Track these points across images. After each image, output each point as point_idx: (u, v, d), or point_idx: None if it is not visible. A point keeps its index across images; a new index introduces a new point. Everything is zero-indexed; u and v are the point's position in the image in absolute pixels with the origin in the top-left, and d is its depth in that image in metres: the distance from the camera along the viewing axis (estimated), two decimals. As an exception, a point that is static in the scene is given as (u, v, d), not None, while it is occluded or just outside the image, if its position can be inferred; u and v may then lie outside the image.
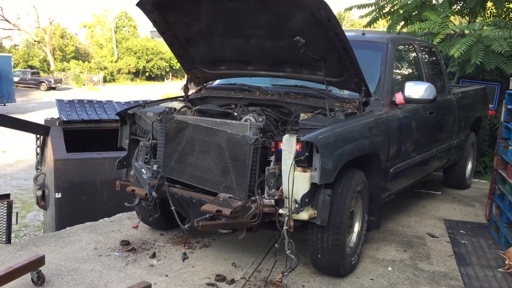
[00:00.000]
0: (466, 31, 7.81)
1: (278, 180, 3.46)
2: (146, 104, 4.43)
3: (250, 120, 3.82)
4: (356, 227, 3.94)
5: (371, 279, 3.76)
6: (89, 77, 57.44)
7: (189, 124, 3.73)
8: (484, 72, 8.71)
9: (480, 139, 7.36)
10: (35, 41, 59.35)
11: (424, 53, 5.39)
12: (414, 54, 5.19)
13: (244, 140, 3.45)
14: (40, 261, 3.43)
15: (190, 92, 4.75)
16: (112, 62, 65.82)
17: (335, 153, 3.44)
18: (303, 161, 3.32)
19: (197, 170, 3.68)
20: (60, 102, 7.19)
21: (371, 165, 4.03)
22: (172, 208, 3.74)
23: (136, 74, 68.48)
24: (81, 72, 58.68)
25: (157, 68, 67.35)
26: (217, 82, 5.12)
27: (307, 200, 3.33)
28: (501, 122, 5.10)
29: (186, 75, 4.80)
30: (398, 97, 4.33)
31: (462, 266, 4.07)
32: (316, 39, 3.70)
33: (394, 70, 4.61)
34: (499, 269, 3.97)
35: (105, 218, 4.90)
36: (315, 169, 3.32)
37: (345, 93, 4.20)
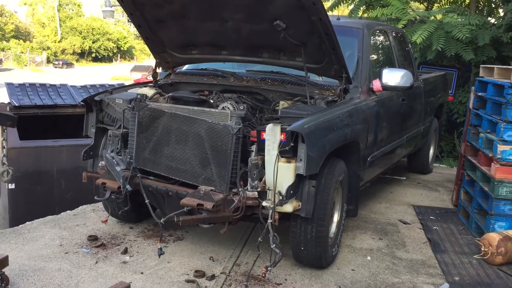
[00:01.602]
0: (431, 18, 7.87)
1: (260, 171, 3.31)
2: (113, 90, 4.14)
3: (228, 108, 3.63)
4: (336, 217, 3.86)
5: (352, 269, 3.71)
6: (31, 57, 54.91)
7: (165, 113, 3.50)
8: (443, 58, 8.88)
9: (441, 125, 7.49)
10: (-29, 19, 55.98)
11: (395, 39, 5.36)
12: (387, 40, 5.14)
13: (226, 130, 3.27)
14: (3, 262, 3.14)
15: (142, 78, 4.51)
16: (55, 42, 63.18)
17: (320, 142, 3.33)
18: (287, 151, 3.19)
19: (173, 161, 3.48)
20: (10, 86, 6.70)
21: (350, 154, 3.95)
22: (147, 201, 3.53)
23: (82, 55, 66.11)
24: (22, 52, 56.02)
25: (104, 49, 65.23)
26: (186, 67, 4.89)
27: (291, 192, 3.21)
28: (470, 109, 5.15)
29: (138, 59, 4.53)
30: (376, 84, 4.26)
31: (438, 253, 4.10)
32: (298, 23, 3.54)
33: (371, 56, 4.53)
34: (474, 256, 4.02)
35: (68, 211, 4.60)
36: (300, 160, 3.19)
37: (323, 79, 4.09)
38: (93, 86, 7.22)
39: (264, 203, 3.24)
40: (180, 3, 3.74)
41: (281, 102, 3.79)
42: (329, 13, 9.49)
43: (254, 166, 3.25)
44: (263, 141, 3.26)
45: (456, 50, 7.77)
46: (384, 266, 3.80)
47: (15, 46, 57.50)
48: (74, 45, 62.67)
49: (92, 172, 3.96)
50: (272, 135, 3.21)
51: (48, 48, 61.02)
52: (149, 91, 4.08)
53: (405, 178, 6.55)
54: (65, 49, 62.83)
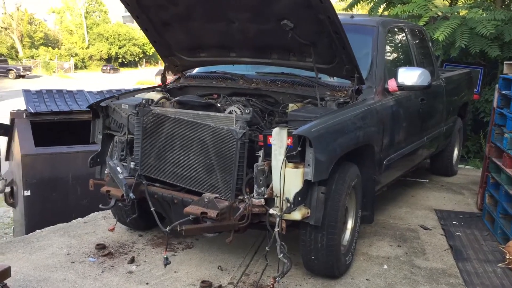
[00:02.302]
0: (455, 14, 7.61)
1: (267, 177, 3.18)
2: (120, 95, 4.07)
3: (235, 111, 3.51)
4: (350, 224, 3.69)
5: (367, 279, 3.53)
6: (60, 64, 56.05)
7: (168, 118, 3.39)
8: (468, 55, 8.57)
9: (466, 125, 7.20)
10: (1, 27, 57.42)
11: (413, 36, 5.14)
12: (404, 38, 4.94)
13: (230, 135, 3.14)
14: (5, 273, 3.07)
15: (168, 81, 4.42)
16: (83, 49, 64.36)
17: (329, 147, 3.17)
18: (295, 156, 3.05)
19: (178, 167, 3.37)
20: (27, 93, 6.74)
21: (364, 157, 3.78)
22: (152, 209, 3.43)
23: (109, 60, 67.16)
24: (51, 59, 57.24)
25: (130, 54, 66.10)
26: (196, 70, 4.79)
27: (299, 198, 3.07)
28: (494, 107, 4.90)
29: (163, 63, 4.45)
30: (391, 84, 4.07)
31: (460, 261, 3.88)
32: (306, 22, 3.40)
33: (385, 55, 4.35)
34: (499, 264, 3.79)
35: (79, 219, 4.55)
36: (308, 165, 3.04)
37: (335, 80, 3.93)
38: (109, 91, 7.21)
39: (271, 211, 3.10)
40: (184, 4, 3.64)
41: (290, 105, 3.65)
42: (348, 11, 9.30)
43: (260, 172, 3.11)
44: (270, 145, 3.13)
45: (481, 46, 7.48)
46: (401, 275, 3.61)
47: (44, 54, 58.78)
48: (101, 51, 63.69)
49: (100, 179, 3.89)
50: (279, 139, 3.07)
51: (76, 54, 62.16)
52: (156, 96, 3.99)
53: (427, 180, 6.31)
54: (93, 55, 63.91)
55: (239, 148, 3.12)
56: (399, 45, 4.99)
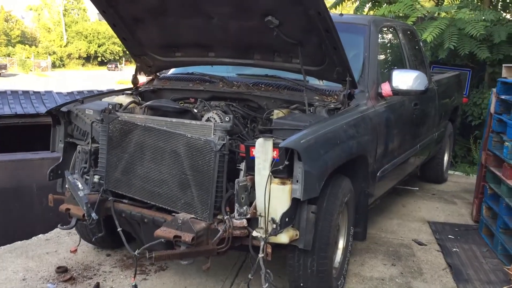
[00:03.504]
0: (443, 14, 7.34)
1: (250, 194, 2.79)
2: (85, 98, 3.63)
3: (214, 118, 3.12)
4: (341, 244, 3.33)
5: (360, 305, 3.18)
6: (36, 62, 54.89)
7: (137, 126, 2.98)
8: (455, 57, 8.33)
9: (456, 129, 6.92)
10: (-24, 24, 56.05)
11: (405, 36, 4.81)
12: (396, 38, 4.60)
13: (207, 146, 2.74)
14: None
15: (141, 83, 4.01)
16: (61, 47, 63.20)
17: (320, 160, 2.80)
18: (281, 171, 2.67)
19: (148, 182, 2.96)
20: (-11, 94, 6.24)
21: (357, 169, 3.42)
22: (119, 229, 3.02)
23: (88, 59, 66.11)
24: (27, 57, 56.03)
25: (110, 53, 65.12)
26: (172, 71, 4.39)
27: (287, 219, 2.69)
28: (491, 113, 4.60)
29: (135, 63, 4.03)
30: (385, 88, 3.72)
31: (461, 282, 3.55)
32: (293, 19, 3.03)
33: (378, 56, 4.00)
34: (504, 287, 3.46)
35: (40, 235, 4.09)
36: (297, 181, 2.66)
37: (324, 84, 3.57)
38: (80, 92, 6.75)
39: (254, 233, 2.71)
40: (157, -3, 3.24)
41: (275, 111, 3.27)
42: (332, 11, 8.97)
43: (242, 188, 2.72)
44: (253, 158, 2.74)
45: (470, 48, 7.25)
46: (398, 300, 3.27)
47: (20, 52, 57.51)
48: (80, 50, 62.59)
49: (61, 194, 3.45)
50: (263, 151, 2.69)
51: (54, 52, 60.99)
52: (125, 100, 3.58)
53: (418, 188, 5.99)
54: (71, 54, 62.78)
55: (217, 162, 2.73)
56: (392, 45, 4.66)
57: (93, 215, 2.87)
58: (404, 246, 4.17)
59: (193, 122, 2.93)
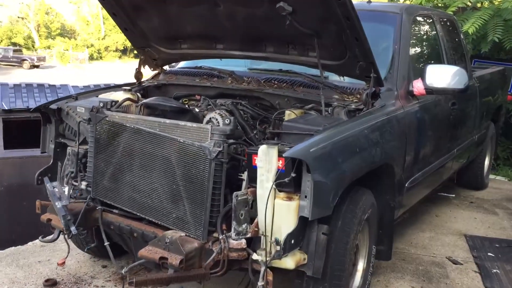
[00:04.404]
0: (486, 3, 6.73)
1: (252, 208, 2.39)
2: (79, 94, 3.31)
3: (216, 120, 2.73)
4: (361, 265, 2.90)
5: None
6: (75, 55, 55.83)
7: (126, 127, 2.62)
8: (500, 50, 7.67)
9: (499, 130, 6.32)
10: (18, 17, 57.36)
11: (443, 27, 4.28)
12: (433, 29, 4.08)
13: (201, 153, 2.36)
14: None
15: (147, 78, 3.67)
16: (99, 39, 64.11)
17: (334, 172, 2.37)
18: (287, 184, 2.26)
19: (137, 192, 2.60)
20: (3, 87, 6.04)
21: (381, 180, 2.97)
22: (106, 244, 2.69)
23: (124, 51, 66.85)
24: (66, 50, 57.06)
25: (146, 46, 65.58)
26: (181, 65, 4.02)
27: (293, 241, 2.28)
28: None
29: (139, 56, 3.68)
30: (418, 86, 3.24)
31: (501, 313, 3.06)
32: (308, 5, 2.60)
33: (411, 50, 3.51)
34: (554, 322, 2.96)
35: (36, 241, 3.79)
36: (305, 197, 2.25)
37: (345, 81, 3.12)
38: (97, 86, 6.47)
39: (255, 256, 2.31)
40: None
41: (287, 112, 2.85)
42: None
43: (241, 203, 2.32)
44: (255, 168, 2.34)
45: (517, 40, 6.60)
46: (426, 333, 2.81)
47: (59, 44, 58.64)
48: (116, 42, 63.31)
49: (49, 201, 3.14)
50: (266, 160, 2.28)
51: (92, 45, 61.91)
52: (123, 97, 3.22)
53: (454, 195, 5.46)
54: (108, 46, 63.58)
55: (213, 171, 2.34)
56: (427, 37, 4.14)
57: (73, 229, 2.54)
58: (436, 265, 3.68)
59: (189, 124, 2.53)
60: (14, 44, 51.38)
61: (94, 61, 58.31)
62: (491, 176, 6.37)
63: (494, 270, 3.63)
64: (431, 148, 3.61)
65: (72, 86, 6.37)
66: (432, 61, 3.97)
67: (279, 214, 2.28)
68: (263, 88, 3.14)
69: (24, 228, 4.93)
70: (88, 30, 65.21)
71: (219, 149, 2.33)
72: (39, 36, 58.78)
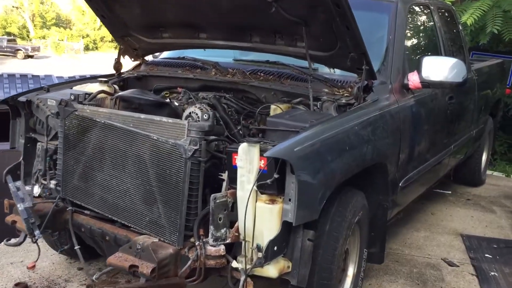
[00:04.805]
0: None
1: (233, 211, 2.20)
2: (51, 86, 3.10)
3: (197, 114, 2.53)
4: (351, 270, 2.72)
5: None
6: (70, 45, 55.34)
7: (96, 123, 2.42)
8: (499, 42, 7.49)
9: (496, 124, 6.14)
10: (13, 6, 56.76)
11: (441, 17, 4.08)
12: (430, 19, 3.88)
13: (176, 152, 2.16)
14: None
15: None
16: (94, 30, 63.50)
17: (321, 172, 2.18)
18: (270, 186, 2.07)
19: (109, 193, 2.40)
20: (-16, 77, 5.81)
21: (373, 179, 2.78)
22: (76, 248, 2.50)
23: (120, 42, 66.07)
24: (61, 40, 56.56)
25: (141, 36, 65.12)
26: (164, 55, 3.82)
27: (276, 248, 2.09)
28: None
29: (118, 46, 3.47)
30: (413, 79, 3.05)
31: (499, 320, 2.89)
32: (295, -9, 2.40)
33: (406, 40, 3.31)
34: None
35: (12, 240, 3.58)
36: (289, 200, 2.06)
37: (336, 73, 2.93)
38: (82, 77, 6.25)
39: (234, 264, 2.13)
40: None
41: (272, 107, 2.66)
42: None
43: (220, 207, 2.13)
44: (236, 167, 2.14)
45: (516, 32, 6.40)
46: None
47: (55, 34, 58.07)
48: (112, 33, 62.77)
49: (21, 199, 2.94)
50: (247, 160, 2.09)
51: (88, 35, 61.36)
52: (99, 89, 3.01)
53: (450, 192, 5.28)
54: (104, 37, 63.02)
55: (189, 171, 2.15)
56: (424, 28, 3.94)
57: (37, 233, 2.34)
58: (432, 267, 3.51)
59: (164, 119, 2.33)
60: (9, 34, 50.87)
61: (90, 51, 57.84)
62: (488, 172, 6.20)
63: (492, 273, 3.46)
64: (427, 144, 3.43)
65: (57, 77, 6.15)
66: (429, 53, 3.78)
67: (261, 219, 2.10)
68: (248, 81, 2.94)
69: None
70: (83, 20, 64.57)
71: (195, 147, 2.13)
72: (34, 26, 58.23)
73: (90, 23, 63.38)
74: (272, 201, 2.11)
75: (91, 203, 2.47)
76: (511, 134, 7.60)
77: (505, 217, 4.63)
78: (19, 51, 41.19)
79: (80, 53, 53.35)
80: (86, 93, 2.79)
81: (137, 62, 3.55)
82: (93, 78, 3.32)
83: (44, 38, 56.45)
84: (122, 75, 3.41)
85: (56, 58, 46.73)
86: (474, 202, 5.05)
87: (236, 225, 2.17)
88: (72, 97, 2.63)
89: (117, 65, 3.43)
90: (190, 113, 2.57)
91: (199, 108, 2.56)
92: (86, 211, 2.56)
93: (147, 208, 2.27)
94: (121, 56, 3.45)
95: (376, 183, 2.80)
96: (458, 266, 3.56)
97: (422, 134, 3.30)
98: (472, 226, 4.38)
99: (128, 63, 3.55)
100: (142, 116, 2.39)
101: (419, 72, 3.05)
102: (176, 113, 2.67)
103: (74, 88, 3.08)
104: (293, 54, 2.85)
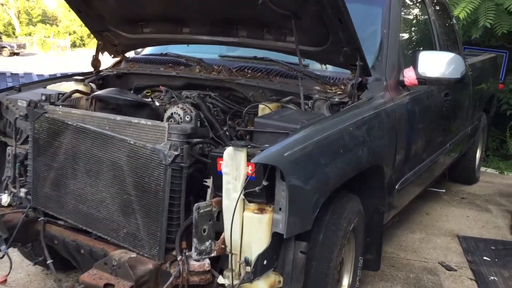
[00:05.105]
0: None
1: (219, 221, 2.02)
2: (23, 85, 2.89)
3: (179, 115, 2.34)
4: (346, 281, 2.55)
5: None
6: (56, 42, 54.66)
7: (68, 126, 2.22)
8: (491, 37, 7.36)
9: (490, 121, 6.01)
10: (-1, 3, 55.93)
11: (435, 10, 3.92)
12: (424, 12, 3.72)
13: (155, 158, 1.97)
14: None
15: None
16: (81, 26, 62.77)
17: (314, 179, 2.00)
18: (258, 194, 1.89)
19: (83, 203, 2.20)
20: (-41, 76, 5.56)
21: (368, 182, 2.61)
22: (49, 262, 2.30)
23: (107, 38, 65.50)
24: (47, 37, 55.86)
25: (129, 33, 64.59)
26: (146, 51, 3.62)
27: (266, 261, 1.91)
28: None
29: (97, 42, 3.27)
30: (409, 76, 2.88)
31: (502, 329, 2.74)
32: (283, -20, 2.22)
33: (401, 35, 3.15)
34: None
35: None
36: (280, 209, 1.88)
37: (328, 70, 2.76)
38: (64, 74, 6.00)
39: (220, 280, 1.95)
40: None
41: (261, 106, 2.47)
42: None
43: (204, 217, 1.94)
44: (221, 174, 1.96)
45: (509, 26, 6.26)
46: None
47: (41, 31, 57.35)
48: (99, 29, 62.15)
49: (-9, 207, 2.73)
50: (233, 166, 1.91)
51: (75, 32, 60.65)
52: (77, 87, 2.81)
53: (444, 190, 5.15)
54: (91, 34, 62.40)
55: (169, 179, 1.96)
56: (418, 21, 3.78)
57: (3, 248, 2.14)
58: (429, 272, 3.36)
59: (143, 121, 2.14)
60: (-6, 31, 50.15)
61: (77, 48, 57.17)
62: (482, 169, 6.07)
63: (491, 277, 3.32)
64: (423, 144, 3.27)
65: (37, 75, 5.90)
66: (424, 48, 3.62)
67: (249, 230, 1.92)
68: (235, 78, 2.75)
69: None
70: (70, 17, 63.76)
71: (176, 152, 1.94)
72: (20, 23, 57.45)
73: (77, 19, 62.71)
74: (261, 211, 1.92)
75: (64, 213, 2.27)
76: (503, 130, 7.47)
77: (501, 216, 4.50)
78: (4, 49, 40.54)
79: (67, 50, 52.69)
80: (59, 93, 2.59)
81: (117, 59, 3.35)
82: (68, 77, 3.11)
83: (30, 35, 55.72)
84: (101, 73, 3.21)
85: (42, 55, 46.07)
86: (469, 201, 4.92)
87: (222, 236, 1.98)
88: (43, 98, 2.43)
89: (95, 62, 3.23)
90: (172, 114, 2.38)
91: (181, 108, 2.38)
92: (60, 221, 2.36)
93: (125, 219, 2.07)
94: (100, 53, 3.25)
95: (372, 186, 2.63)
96: (456, 270, 3.42)
97: (418, 133, 3.14)
98: (468, 227, 4.24)
99: (108, 60, 3.36)
100: (119, 118, 2.19)
101: (415, 67, 2.88)
102: (157, 114, 2.48)
103: (48, 87, 2.88)
104: (282, 49, 2.67)
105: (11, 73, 5.84)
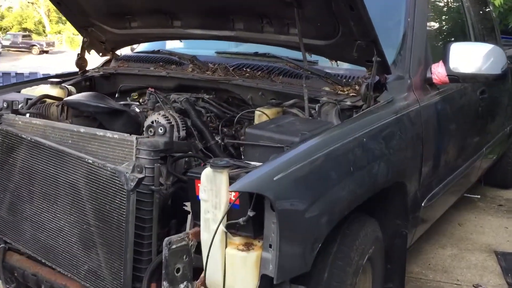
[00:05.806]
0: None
1: (200, 255, 1.64)
2: (-3, 89, 2.58)
3: (160, 123, 1.97)
4: (361, 318, 2.14)
5: None
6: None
7: (22, 140, 1.87)
8: (531, 25, 6.79)
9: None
10: (28, 2, 56.98)
11: (469, -4, 3.44)
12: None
13: (116, 181, 1.60)
14: None
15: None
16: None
17: (314, 207, 1.59)
18: (244, 226, 1.50)
19: (41, 232, 1.86)
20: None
21: (387, 203, 2.18)
22: (7, 294, 1.97)
23: (136, 35, 66.32)
24: (75, 35, 56.65)
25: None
26: (140, 48, 3.27)
27: (253, 310, 1.52)
28: None
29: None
30: (439, 72, 2.43)
31: None
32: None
33: (428, 24, 2.69)
34: None
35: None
36: (270, 246, 1.48)
37: (339, 67, 2.33)
38: (46, 75, 5.74)
39: (199, 332, 1.57)
40: None
41: (257, 113, 2.07)
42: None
43: (177, 255, 1.57)
44: (199, 199, 1.58)
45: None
46: None
47: (70, 29, 58.16)
48: (127, 26, 62.74)
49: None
50: (212, 191, 1.52)
51: (103, 29, 61.40)
52: (50, 91, 2.48)
53: (479, 196, 4.63)
54: (120, 30, 63.08)
55: (132, 208, 1.58)
56: (448, 8, 3.30)
57: None
58: (461, 298, 2.92)
59: (109, 134, 1.77)
60: (25, 29, 51.10)
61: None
62: (520, 171, 5.52)
63: (537, 306, 2.85)
64: (455, 151, 2.81)
65: (43, 74, 5.66)
66: (456, 39, 3.15)
67: (232, 270, 1.54)
68: (231, 78, 2.37)
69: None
70: (98, 14, 64.72)
71: (140, 175, 1.56)
72: (50, 21, 58.41)
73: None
74: (248, 246, 1.54)
75: (22, 241, 1.93)
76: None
77: (546, 228, 3.99)
78: (34, 47, 41.26)
79: (95, 47, 53.31)
80: (28, 99, 2.25)
81: (107, 58, 3.01)
82: (45, 79, 2.78)
83: (60, 33, 56.55)
84: (86, 74, 2.86)
85: (71, 53, 46.69)
86: (508, 209, 4.40)
87: (201, 276, 1.61)
88: (5, 105, 2.09)
89: (81, 61, 2.89)
90: (152, 122, 2.02)
91: (163, 115, 2.01)
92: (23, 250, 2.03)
93: (85, 254, 1.72)
94: (86, 51, 2.91)
95: (392, 206, 2.20)
96: (494, 296, 2.96)
97: (449, 139, 2.68)
98: (507, 240, 3.74)
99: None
100: (82, 129, 1.83)
101: (446, 63, 2.42)
102: (136, 122, 2.12)
103: (23, 90, 2.55)
104: (285, 43, 2.27)
105: (16, 73, 5.60)
